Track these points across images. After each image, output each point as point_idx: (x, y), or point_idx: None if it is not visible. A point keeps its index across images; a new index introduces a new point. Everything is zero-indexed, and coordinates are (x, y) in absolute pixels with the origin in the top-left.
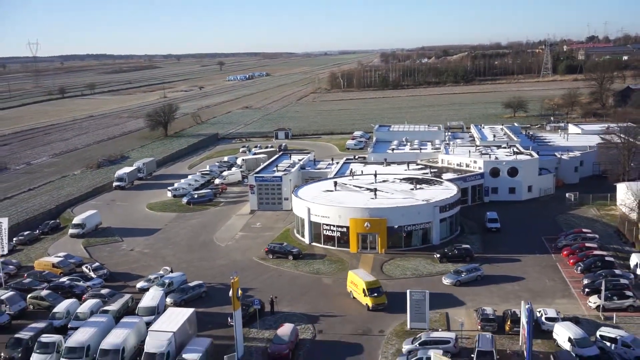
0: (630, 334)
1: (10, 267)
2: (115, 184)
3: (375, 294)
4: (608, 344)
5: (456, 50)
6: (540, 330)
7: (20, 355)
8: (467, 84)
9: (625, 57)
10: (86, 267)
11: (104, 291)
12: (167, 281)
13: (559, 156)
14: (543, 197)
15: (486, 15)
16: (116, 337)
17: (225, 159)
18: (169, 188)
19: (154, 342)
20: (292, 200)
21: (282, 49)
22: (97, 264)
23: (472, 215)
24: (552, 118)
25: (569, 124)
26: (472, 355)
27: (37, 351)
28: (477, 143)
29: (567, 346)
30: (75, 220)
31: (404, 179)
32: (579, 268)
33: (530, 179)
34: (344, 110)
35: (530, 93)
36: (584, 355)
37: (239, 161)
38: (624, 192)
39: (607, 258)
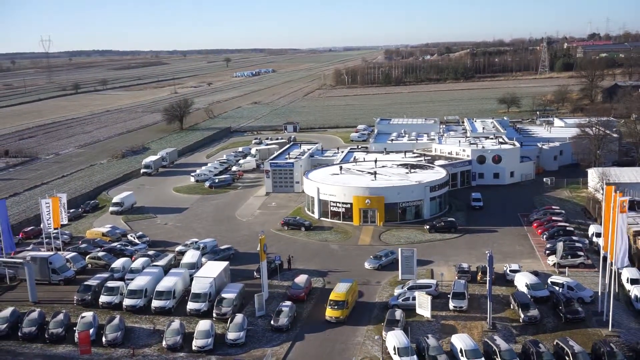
0: (575, 280)
1: (65, 236)
2: (142, 170)
3: (335, 307)
4: (557, 288)
5: (459, 47)
6: (505, 280)
7: (90, 297)
8: (466, 80)
9: (622, 55)
10: (131, 236)
11: (150, 252)
12: (201, 245)
13: (540, 146)
14: (524, 182)
15: (491, 12)
16: (167, 282)
17: (240, 149)
18: (192, 174)
19: (199, 285)
20: (303, 182)
21: (287, 45)
22: (140, 233)
23: (460, 197)
24: (537, 113)
25: (556, 118)
26: (449, 296)
27: (105, 294)
28: (468, 134)
29: (524, 289)
30: (115, 199)
31: (400, 164)
32: (544, 236)
33: (512, 165)
34: (349, 106)
35: (526, 90)
36: (536, 296)
37: (253, 151)
38: (592, 176)
39: (568, 228)
